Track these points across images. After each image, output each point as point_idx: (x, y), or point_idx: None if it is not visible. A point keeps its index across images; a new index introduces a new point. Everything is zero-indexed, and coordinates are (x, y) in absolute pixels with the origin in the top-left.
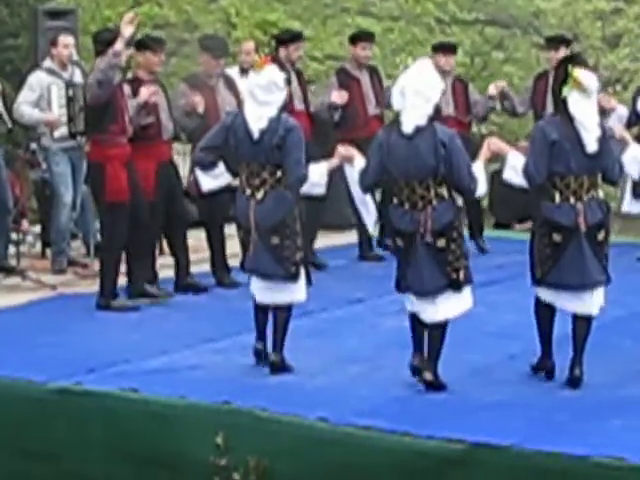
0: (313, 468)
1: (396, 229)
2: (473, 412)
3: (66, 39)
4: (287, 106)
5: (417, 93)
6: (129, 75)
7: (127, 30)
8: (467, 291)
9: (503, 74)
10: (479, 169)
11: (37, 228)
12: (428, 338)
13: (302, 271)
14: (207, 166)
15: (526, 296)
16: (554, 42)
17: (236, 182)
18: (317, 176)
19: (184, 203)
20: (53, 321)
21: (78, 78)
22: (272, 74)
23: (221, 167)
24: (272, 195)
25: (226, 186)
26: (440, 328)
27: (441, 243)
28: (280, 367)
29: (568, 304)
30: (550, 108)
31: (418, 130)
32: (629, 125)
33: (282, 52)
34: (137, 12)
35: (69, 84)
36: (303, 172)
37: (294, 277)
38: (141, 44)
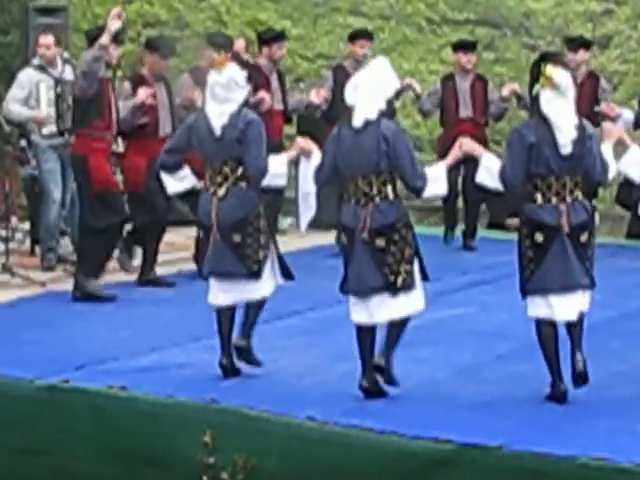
0: (301, 467)
1: (342, 225)
2: (461, 412)
3: (45, 39)
4: (261, 105)
5: (370, 88)
6: (119, 73)
7: (114, 24)
8: (404, 298)
9: (493, 74)
10: (441, 168)
11: (26, 225)
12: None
13: (265, 267)
14: (171, 168)
15: (517, 296)
16: (573, 44)
17: (201, 184)
18: (277, 167)
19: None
20: (42, 318)
21: (69, 75)
22: (232, 72)
23: (186, 169)
24: (234, 192)
25: (191, 188)
26: (366, 332)
27: (380, 243)
28: (247, 353)
29: (554, 312)
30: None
31: (367, 124)
32: (636, 127)
33: (265, 51)
34: (125, 8)
35: (58, 81)
36: (263, 164)
37: (256, 275)
38: (151, 44)
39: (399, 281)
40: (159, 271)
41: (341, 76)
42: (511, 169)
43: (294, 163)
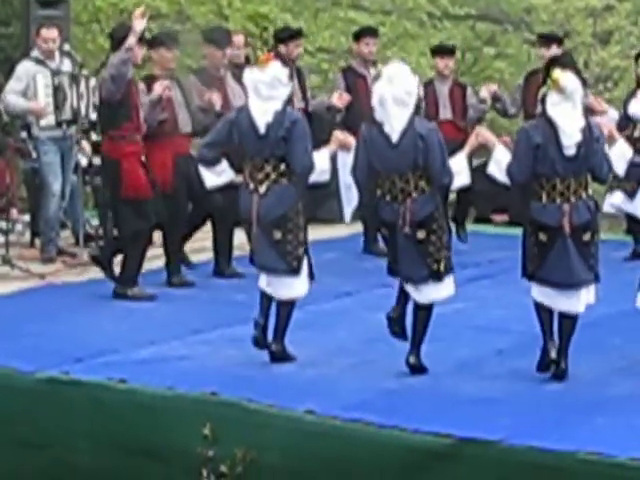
0: (301, 460)
1: (380, 219)
2: (461, 407)
3: (48, 33)
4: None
5: (397, 103)
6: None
7: (139, 24)
8: (448, 280)
9: (494, 70)
10: (462, 160)
11: (26, 217)
12: (413, 320)
13: (304, 265)
14: (210, 162)
15: (515, 291)
16: (546, 39)
17: (239, 178)
18: (321, 163)
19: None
20: (41, 310)
21: (67, 67)
22: (276, 70)
23: (224, 164)
24: (275, 189)
25: (230, 182)
26: (425, 310)
27: (421, 235)
28: (280, 356)
29: (554, 301)
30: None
31: (403, 134)
32: (620, 129)
33: (282, 49)
34: (146, 8)
35: (55, 73)
36: (311, 161)
37: (296, 271)
38: (154, 41)
39: (442, 267)
40: (159, 264)
41: (352, 77)
42: (517, 166)
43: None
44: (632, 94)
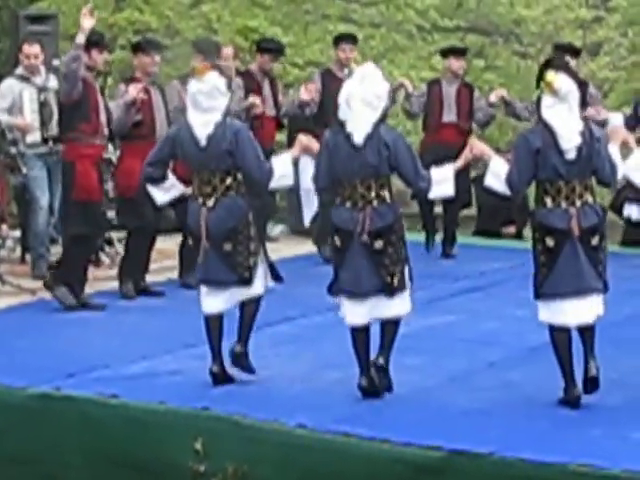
0: (292, 474)
1: (336, 227)
2: (452, 419)
3: (30, 49)
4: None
5: (364, 103)
6: (109, 81)
7: (87, 22)
8: (400, 298)
9: (483, 81)
10: (449, 170)
11: (17, 233)
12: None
13: (257, 273)
14: (156, 180)
15: (506, 303)
16: (561, 51)
17: (189, 190)
18: (282, 168)
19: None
20: (33, 326)
21: (54, 83)
22: (214, 80)
23: (172, 179)
24: (223, 203)
25: (180, 196)
26: (362, 332)
27: (378, 245)
28: (242, 359)
29: (567, 317)
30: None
31: (368, 138)
32: (629, 128)
33: (258, 58)
34: (92, 5)
35: (41, 89)
36: (267, 167)
37: (247, 281)
38: (135, 47)
39: (395, 282)
40: (148, 278)
41: (329, 80)
42: (517, 174)
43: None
44: None
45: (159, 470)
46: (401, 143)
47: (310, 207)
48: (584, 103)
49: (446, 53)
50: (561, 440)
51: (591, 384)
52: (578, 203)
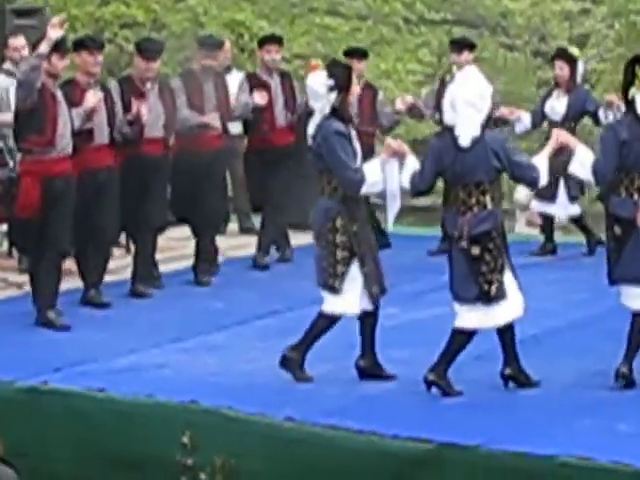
0: (280, 468)
1: (445, 231)
2: (440, 412)
3: (15, 41)
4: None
5: (468, 104)
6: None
7: (54, 32)
8: (498, 306)
9: None
10: (543, 160)
11: (4, 227)
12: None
13: (349, 283)
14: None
15: None
16: (457, 45)
17: None
18: (373, 176)
19: (110, 214)
20: (19, 320)
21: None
22: (313, 82)
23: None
24: (318, 204)
25: None
26: (461, 335)
27: (475, 251)
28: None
29: (627, 300)
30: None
31: (474, 142)
32: (534, 127)
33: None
34: (65, 17)
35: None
36: (357, 177)
37: (331, 289)
38: (77, 44)
39: (493, 290)
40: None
41: (255, 84)
42: (604, 163)
43: None
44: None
45: (147, 464)
46: (508, 148)
47: (394, 208)
48: None
49: (347, 54)
50: (549, 432)
51: (619, 378)
52: None
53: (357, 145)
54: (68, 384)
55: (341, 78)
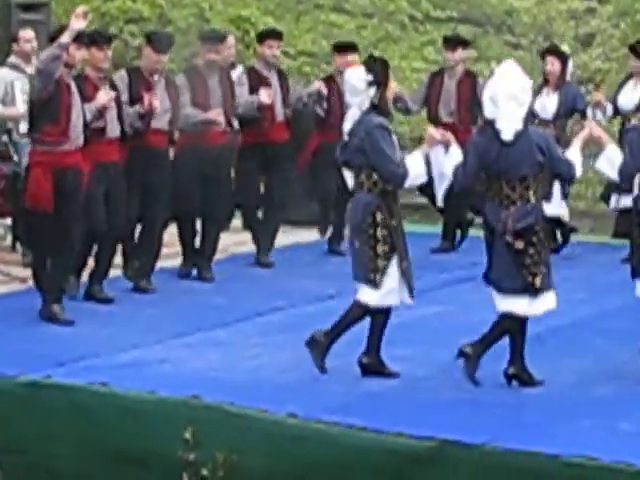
0: (282, 464)
1: (486, 222)
2: (443, 409)
3: (26, 33)
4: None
5: (510, 97)
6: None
7: (77, 24)
8: (545, 295)
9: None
10: (576, 153)
11: (8, 221)
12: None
13: (387, 277)
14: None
15: None
16: (451, 43)
17: None
18: (416, 169)
19: (118, 209)
20: (23, 315)
21: None
22: (352, 77)
23: None
24: (356, 198)
25: None
26: (512, 320)
27: (519, 245)
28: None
29: None
30: (443, 107)
31: (517, 136)
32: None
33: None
34: (89, 9)
35: (32, 78)
36: (399, 171)
37: (371, 283)
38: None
39: (537, 282)
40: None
41: (254, 79)
42: (632, 164)
43: None
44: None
45: (148, 459)
46: (552, 143)
47: (442, 188)
48: (474, 96)
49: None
50: (552, 431)
51: None
52: None
53: (396, 139)
54: (71, 379)
55: (380, 73)
